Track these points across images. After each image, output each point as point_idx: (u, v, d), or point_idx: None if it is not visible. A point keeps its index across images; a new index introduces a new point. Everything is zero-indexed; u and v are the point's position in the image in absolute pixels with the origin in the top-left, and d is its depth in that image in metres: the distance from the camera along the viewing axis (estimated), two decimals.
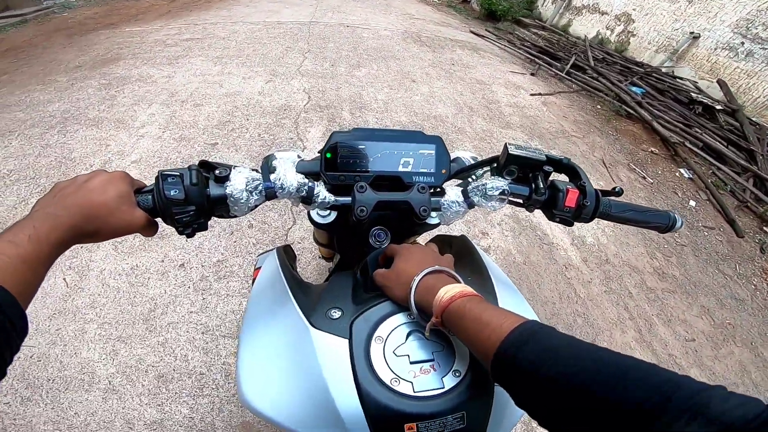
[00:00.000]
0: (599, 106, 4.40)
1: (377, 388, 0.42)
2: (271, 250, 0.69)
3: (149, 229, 0.47)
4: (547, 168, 0.57)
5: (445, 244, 0.74)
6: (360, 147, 0.56)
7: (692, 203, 3.02)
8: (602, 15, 7.77)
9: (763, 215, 3.00)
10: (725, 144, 3.79)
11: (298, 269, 0.89)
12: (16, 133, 2.53)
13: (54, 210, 0.39)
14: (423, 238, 0.84)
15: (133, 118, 2.80)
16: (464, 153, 0.67)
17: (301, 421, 0.45)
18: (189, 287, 1.71)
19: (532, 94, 4.35)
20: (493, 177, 0.59)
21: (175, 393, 1.38)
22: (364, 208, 0.53)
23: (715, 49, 5.44)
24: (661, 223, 0.60)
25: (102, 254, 1.80)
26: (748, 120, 4.27)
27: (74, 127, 2.65)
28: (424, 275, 0.46)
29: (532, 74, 5.06)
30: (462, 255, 0.66)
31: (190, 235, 0.48)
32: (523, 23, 8.45)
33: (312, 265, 1.89)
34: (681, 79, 5.51)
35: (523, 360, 0.33)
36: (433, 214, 0.60)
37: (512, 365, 0.33)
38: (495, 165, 0.60)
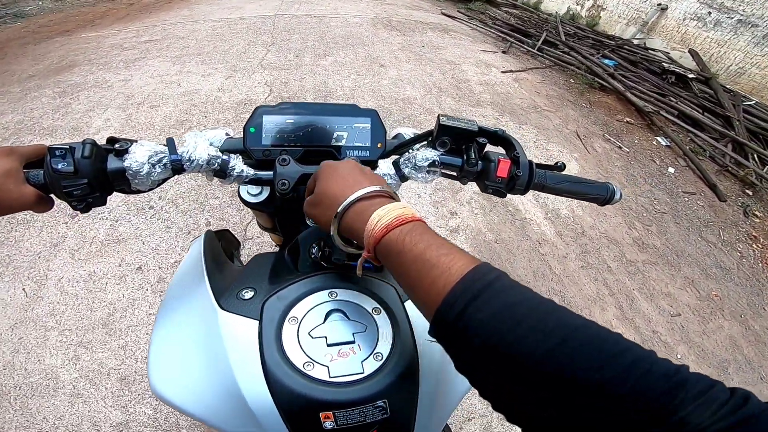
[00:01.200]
0: (572, 80, 4.34)
1: (287, 372, 0.38)
2: (200, 236, 0.66)
3: (41, 206, 0.44)
4: (481, 140, 0.55)
5: None
6: (288, 121, 0.54)
7: (671, 170, 2.97)
8: None
9: (745, 178, 2.97)
10: (701, 111, 3.77)
11: (242, 257, 0.84)
12: None
13: None
14: None
15: (88, 124, 2.70)
16: (406, 129, 0.65)
17: (211, 411, 0.42)
18: (147, 290, 1.71)
19: (503, 72, 4.27)
20: (425, 148, 0.57)
21: (139, 394, 1.40)
22: (286, 182, 0.51)
23: (684, 19, 5.46)
24: (599, 194, 0.58)
25: (59, 262, 1.79)
26: (722, 87, 4.27)
27: (28, 137, 2.58)
28: (353, 200, 0.38)
29: (504, 52, 4.98)
30: None
31: (84, 210, 0.46)
32: (495, 2, 8.35)
33: None
34: (653, 50, 5.50)
35: (474, 316, 0.26)
36: None
37: (461, 322, 0.27)
38: (431, 138, 0.58)
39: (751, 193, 2.89)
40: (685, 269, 2.17)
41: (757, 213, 2.70)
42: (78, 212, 0.47)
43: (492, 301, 0.26)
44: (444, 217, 2.16)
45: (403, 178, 0.57)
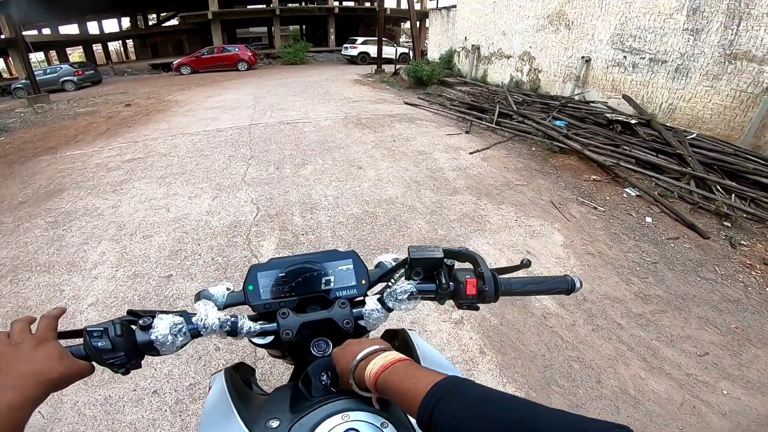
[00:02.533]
0: (533, 148, 4.70)
1: None
2: (220, 371, 0.72)
3: (89, 372, 0.51)
4: (449, 262, 0.63)
5: (393, 337, 0.82)
6: (280, 275, 0.62)
7: (648, 219, 3.13)
8: (508, 59, 8.68)
9: (718, 211, 3.11)
10: (654, 154, 4.10)
11: (259, 378, 0.89)
12: None
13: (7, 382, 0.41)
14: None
15: (84, 260, 2.72)
16: (386, 257, 0.73)
17: None
18: (165, 410, 1.71)
19: (470, 153, 4.59)
20: (403, 281, 0.64)
21: None
22: (290, 332, 0.58)
23: (607, 67, 6.10)
24: (561, 287, 0.64)
25: (72, 389, 1.78)
26: (663, 126, 4.68)
27: (26, 274, 2.58)
28: (356, 364, 0.49)
29: (467, 132, 5.42)
30: (404, 343, 0.73)
31: (125, 373, 0.53)
32: (448, 83, 9.28)
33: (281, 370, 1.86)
34: (593, 102, 6.08)
35: (440, 415, 0.35)
36: (361, 322, 0.65)
37: (431, 422, 0.35)
38: (407, 266, 0.66)
39: (729, 224, 3.03)
40: (696, 310, 2.18)
41: (743, 242, 2.81)
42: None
43: (450, 402, 0.35)
44: (446, 311, 2.18)
45: (389, 310, 0.63)
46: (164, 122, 6.45)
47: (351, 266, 0.65)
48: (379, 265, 0.72)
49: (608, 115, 5.12)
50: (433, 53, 13.05)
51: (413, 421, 0.50)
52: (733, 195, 3.38)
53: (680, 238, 2.88)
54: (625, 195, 3.53)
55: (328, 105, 7.43)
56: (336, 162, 4.38)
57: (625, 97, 5.57)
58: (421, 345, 0.71)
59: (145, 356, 0.56)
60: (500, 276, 0.63)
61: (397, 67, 11.64)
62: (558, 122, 5.14)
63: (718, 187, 3.45)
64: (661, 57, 5.19)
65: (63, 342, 0.51)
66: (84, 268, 2.63)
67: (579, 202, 3.43)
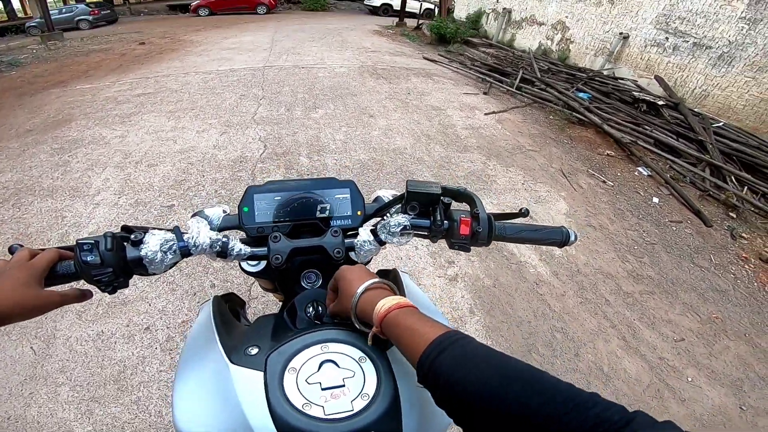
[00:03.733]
0: (551, 117, 4.55)
1: (290, 412, 0.45)
2: (209, 299, 0.73)
3: (78, 299, 0.52)
4: (446, 200, 0.62)
5: (383, 277, 0.82)
6: (276, 198, 0.61)
7: (655, 200, 3.09)
8: (540, 26, 8.21)
9: (727, 201, 3.07)
10: (675, 137, 3.97)
11: (249, 314, 0.89)
12: None
13: None
14: None
15: (88, 185, 2.74)
16: (385, 192, 0.72)
17: None
18: (156, 348, 1.74)
19: (486, 114, 4.47)
20: (397, 214, 0.63)
21: None
22: (279, 257, 0.57)
23: (645, 46, 5.78)
24: (555, 238, 0.64)
25: (67, 323, 1.82)
26: (690, 111, 4.50)
27: (29, 198, 2.60)
28: (364, 290, 0.50)
29: (485, 93, 5.23)
30: (394, 284, 0.74)
31: (111, 292, 0.53)
32: (472, 43, 8.84)
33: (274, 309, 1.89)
34: (622, 79, 5.81)
35: (441, 365, 0.37)
36: (352, 254, 0.65)
37: (431, 369, 0.38)
38: (403, 201, 0.65)
39: (734, 215, 2.99)
40: (683, 295, 2.22)
41: (744, 235, 2.79)
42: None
43: (453, 353, 0.37)
44: (442, 267, 2.22)
45: (381, 243, 0.63)
46: (177, 61, 6.28)
47: (348, 196, 0.64)
48: (376, 199, 0.71)
49: (635, 93, 4.92)
50: (460, 12, 12.32)
51: (391, 357, 0.52)
52: (746, 187, 3.30)
53: (683, 222, 2.85)
54: (636, 173, 3.46)
55: (344, 53, 7.15)
56: (348, 108, 4.29)
57: (657, 77, 5.32)
58: (411, 287, 0.70)
59: (134, 275, 0.55)
60: (496, 221, 0.62)
61: (420, 22, 11.06)
62: (582, 94, 4.95)
63: (733, 177, 3.36)
64: (707, 42, 4.91)
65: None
66: (87, 194, 2.65)
67: (589, 174, 3.37)
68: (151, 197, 2.63)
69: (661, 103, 4.56)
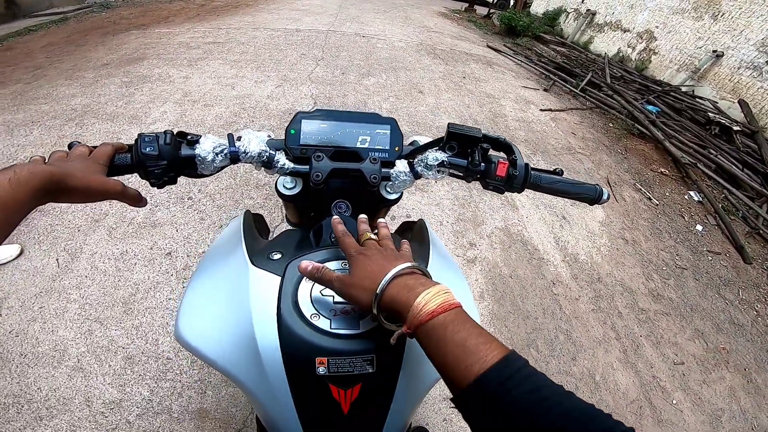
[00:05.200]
0: (611, 124, 4.31)
1: (296, 320, 0.45)
2: (238, 215, 0.75)
3: (129, 198, 0.51)
4: (484, 145, 0.63)
5: (407, 229, 0.84)
6: (322, 125, 0.63)
7: (699, 227, 2.90)
8: (624, 32, 7.66)
9: None
10: (740, 167, 3.65)
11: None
12: (39, 123, 2.70)
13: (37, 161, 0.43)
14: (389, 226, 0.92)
15: (146, 115, 2.93)
16: (422, 137, 0.73)
17: (224, 355, 0.49)
18: (172, 275, 1.77)
19: (542, 110, 4.31)
20: (436, 151, 0.64)
21: (140, 375, 1.42)
22: (320, 174, 0.59)
23: (739, 68, 5.26)
24: (587, 194, 0.65)
25: (96, 238, 1.90)
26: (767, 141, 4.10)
27: (91, 120, 2.80)
28: (391, 278, 0.42)
29: (545, 90, 5.02)
30: (418, 236, 0.74)
31: (160, 186, 0.56)
32: (543, 39, 8.41)
33: None
34: (701, 98, 5.35)
35: (506, 397, 0.32)
36: (389, 189, 0.67)
37: (489, 397, 0.33)
38: (441, 144, 0.66)
39: None
40: (697, 322, 2.14)
41: None
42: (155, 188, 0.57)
43: (524, 387, 0.32)
44: (463, 247, 2.23)
45: (416, 175, 0.65)
46: (249, 16, 6.47)
47: (388, 132, 0.65)
48: (413, 143, 0.73)
49: (711, 114, 4.53)
50: (538, 7, 11.64)
51: None
52: None
53: (722, 254, 2.68)
54: (686, 197, 3.25)
55: (406, 29, 7.07)
56: (399, 81, 4.29)
57: (741, 101, 4.85)
58: (435, 240, 0.71)
59: (183, 175, 0.58)
60: (532, 170, 0.63)
61: (491, 11, 10.61)
62: (650, 107, 4.63)
63: None
64: None
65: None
66: (144, 122, 2.83)
67: (635, 188, 3.20)
68: (201, 132, 2.80)
69: (736, 128, 4.18)
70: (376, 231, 0.55)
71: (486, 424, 0.34)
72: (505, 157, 0.64)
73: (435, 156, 0.63)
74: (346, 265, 0.50)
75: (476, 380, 0.34)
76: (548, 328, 1.91)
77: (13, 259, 1.76)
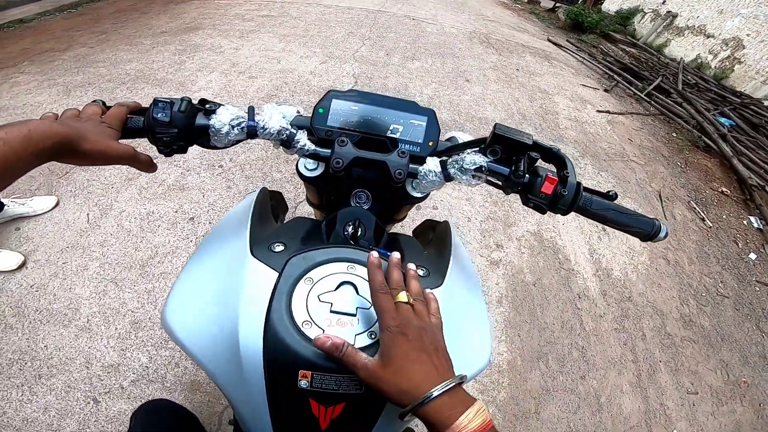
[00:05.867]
0: (674, 134, 3.93)
1: (285, 325, 0.41)
2: (255, 190, 0.71)
3: (140, 164, 0.50)
4: (533, 154, 0.54)
5: (429, 228, 0.78)
6: (353, 108, 0.58)
7: (752, 256, 2.60)
8: (707, 38, 6.94)
9: None
10: None
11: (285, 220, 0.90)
12: (94, 86, 2.86)
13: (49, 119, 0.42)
14: (410, 223, 0.84)
15: (193, 82, 3.04)
16: (462, 134, 0.67)
17: (204, 350, 0.46)
18: (191, 241, 1.78)
19: (598, 111, 4.00)
20: (474, 153, 0.57)
21: (142, 341, 1.43)
22: (341, 161, 0.54)
23: None
24: (642, 228, 0.54)
25: (127, 196, 1.96)
26: None
27: (141, 85, 2.94)
28: (436, 396, 0.37)
29: (606, 90, 4.65)
30: (440, 240, 0.68)
31: (168, 154, 0.53)
32: (612, 38, 7.79)
33: None
34: None
35: None
36: (414, 185, 0.61)
37: None
38: (483, 146, 0.58)
39: None
40: (725, 353, 1.97)
41: None
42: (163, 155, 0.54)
43: None
44: (488, 247, 2.13)
45: (448, 178, 0.58)
46: None
47: (424, 124, 0.59)
48: (450, 139, 0.66)
49: None
50: (611, 5, 10.78)
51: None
52: None
53: None
54: (745, 222, 2.90)
55: (460, 15, 6.80)
56: (445, 67, 4.14)
57: None
58: (458, 247, 0.65)
59: (194, 144, 0.55)
60: (584, 192, 0.54)
61: (557, 4, 9.94)
62: (724, 119, 4.16)
63: None
64: None
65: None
66: (190, 89, 2.93)
67: (689, 206, 2.90)
68: (241, 103, 2.84)
69: None
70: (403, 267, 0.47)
71: None
72: (555, 171, 0.54)
73: (473, 159, 0.55)
74: (349, 268, 0.46)
75: None
76: (563, 343, 1.79)
77: (49, 211, 1.81)
